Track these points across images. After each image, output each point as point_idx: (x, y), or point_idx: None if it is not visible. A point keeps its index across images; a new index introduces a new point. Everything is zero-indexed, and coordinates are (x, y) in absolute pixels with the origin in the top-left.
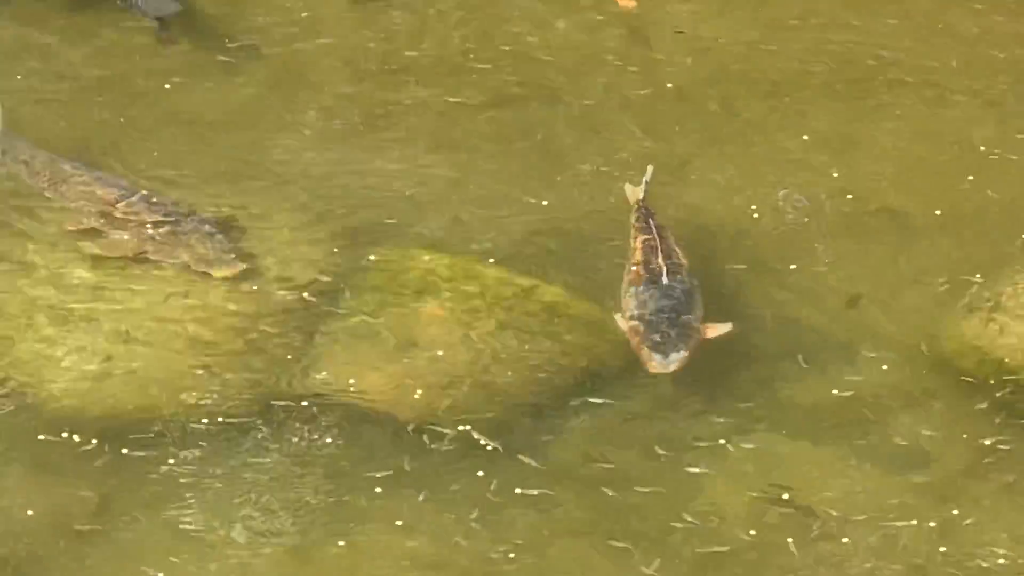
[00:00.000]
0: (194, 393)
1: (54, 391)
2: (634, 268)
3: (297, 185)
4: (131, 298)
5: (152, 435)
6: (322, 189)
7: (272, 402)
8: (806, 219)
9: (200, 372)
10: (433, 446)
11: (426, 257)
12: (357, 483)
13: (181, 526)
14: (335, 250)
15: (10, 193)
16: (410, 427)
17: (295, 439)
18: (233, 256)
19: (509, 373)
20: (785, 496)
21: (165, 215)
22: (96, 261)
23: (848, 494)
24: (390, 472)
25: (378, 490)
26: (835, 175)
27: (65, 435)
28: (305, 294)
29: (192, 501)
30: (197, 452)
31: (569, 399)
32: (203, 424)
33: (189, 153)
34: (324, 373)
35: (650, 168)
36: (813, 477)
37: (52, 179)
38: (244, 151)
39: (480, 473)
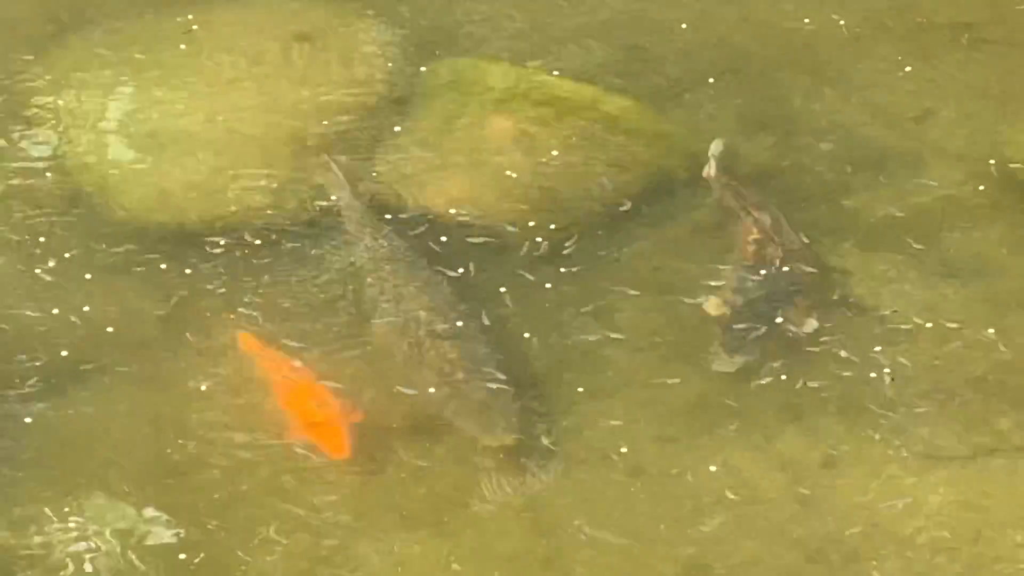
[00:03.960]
0: (256, 201)
1: (123, 203)
2: (748, 243)
3: None
4: (194, 110)
5: (215, 244)
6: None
7: (335, 210)
8: (874, 33)
9: (264, 183)
10: (499, 256)
11: (493, 68)
12: None
13: (243, 331)
14: (404, 61)
15: None
16: (477, 236)
17: (358, 247)
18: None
19: (577, 183)
20: (850, 303)
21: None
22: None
23: (912, 304)
24: (455, 283)
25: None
26: None
27: (133, 246)
28: (373, 104)
29: (255, 305)
30: (261, 260)
31: (636, 209)
32: (265, 233)
33: None
34: (391, 183)
35: (717, 142)
36: (878, 286)
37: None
38: None
39: (546, 285)
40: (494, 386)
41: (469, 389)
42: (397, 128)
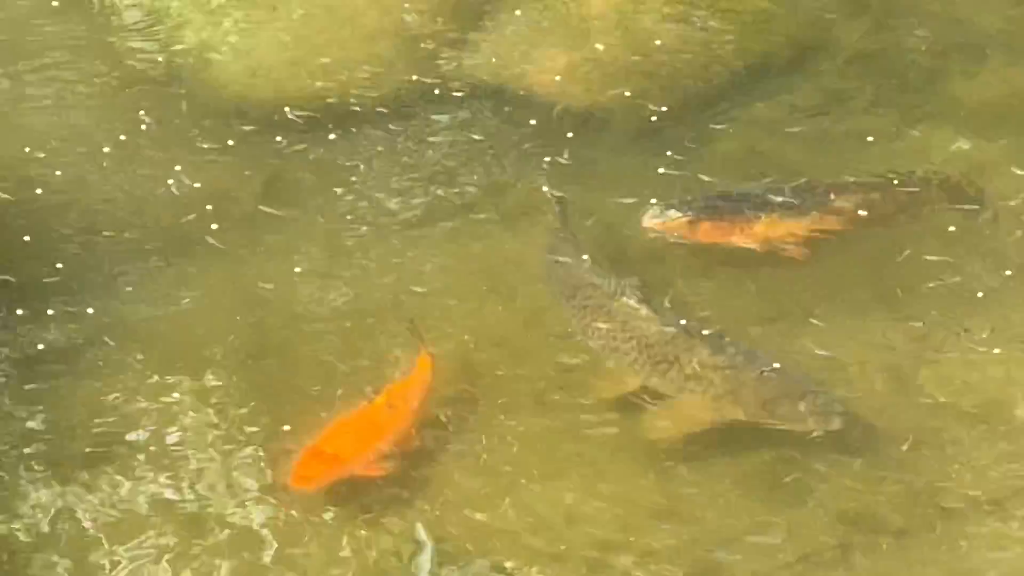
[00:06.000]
0: (356, 78)
1: (220, 77)
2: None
3: None
4: None
5: (315, 120)
6: None
7: (433, 88)
8: None
9: (364, 58)
10: (596, 135)
11: None
12: (519, 166)
13: (340, 210)
14: None
15: None
16: (575, 115)
17: (455, 124)
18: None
19: (675, 62)
20: (949, 188)
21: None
22: None
23: (1010, 185)
24: (551, 157)
25: (540, 176)
26: None
27: (232, 123)
28: None
29: (353, 184)
30: (358, 136)
31: (736, 89)
32: (365, 109)
33: None
34: (490, 60)
35: None
36: (978, 167)
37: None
38: None
39: (642, 164)
40: (796, 375)
41: (780, 384)
42: (495, 9)
